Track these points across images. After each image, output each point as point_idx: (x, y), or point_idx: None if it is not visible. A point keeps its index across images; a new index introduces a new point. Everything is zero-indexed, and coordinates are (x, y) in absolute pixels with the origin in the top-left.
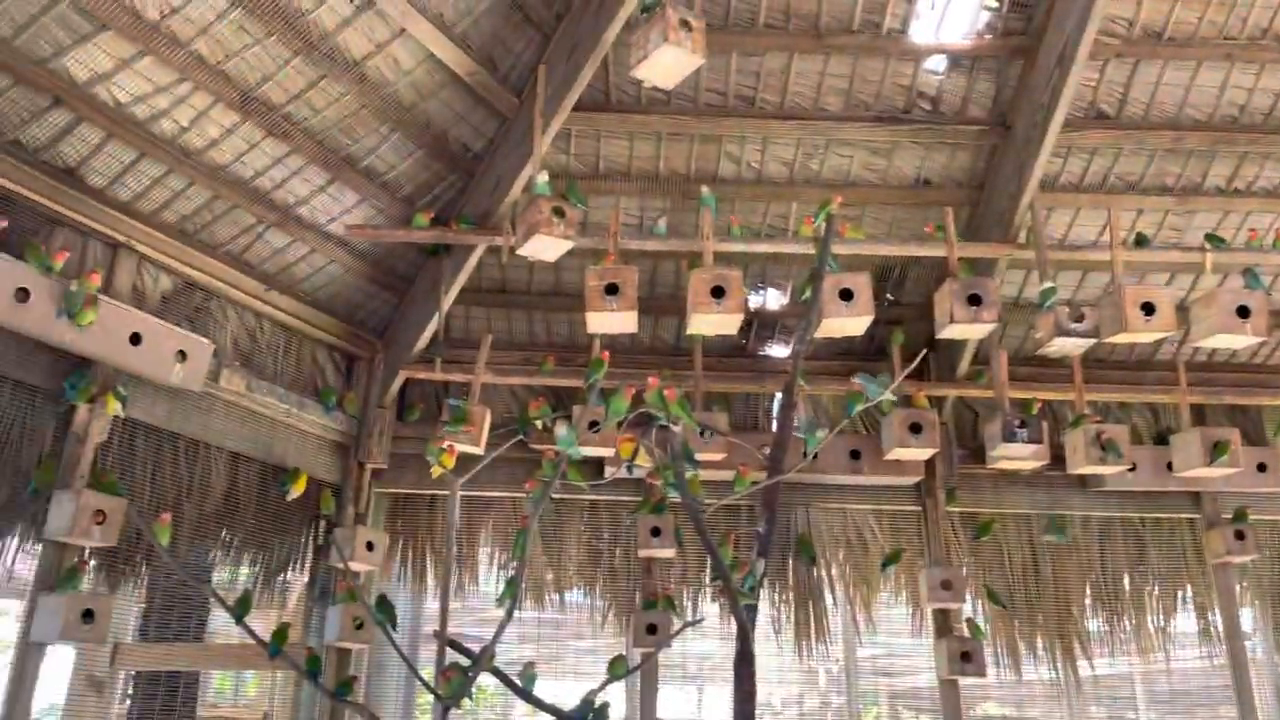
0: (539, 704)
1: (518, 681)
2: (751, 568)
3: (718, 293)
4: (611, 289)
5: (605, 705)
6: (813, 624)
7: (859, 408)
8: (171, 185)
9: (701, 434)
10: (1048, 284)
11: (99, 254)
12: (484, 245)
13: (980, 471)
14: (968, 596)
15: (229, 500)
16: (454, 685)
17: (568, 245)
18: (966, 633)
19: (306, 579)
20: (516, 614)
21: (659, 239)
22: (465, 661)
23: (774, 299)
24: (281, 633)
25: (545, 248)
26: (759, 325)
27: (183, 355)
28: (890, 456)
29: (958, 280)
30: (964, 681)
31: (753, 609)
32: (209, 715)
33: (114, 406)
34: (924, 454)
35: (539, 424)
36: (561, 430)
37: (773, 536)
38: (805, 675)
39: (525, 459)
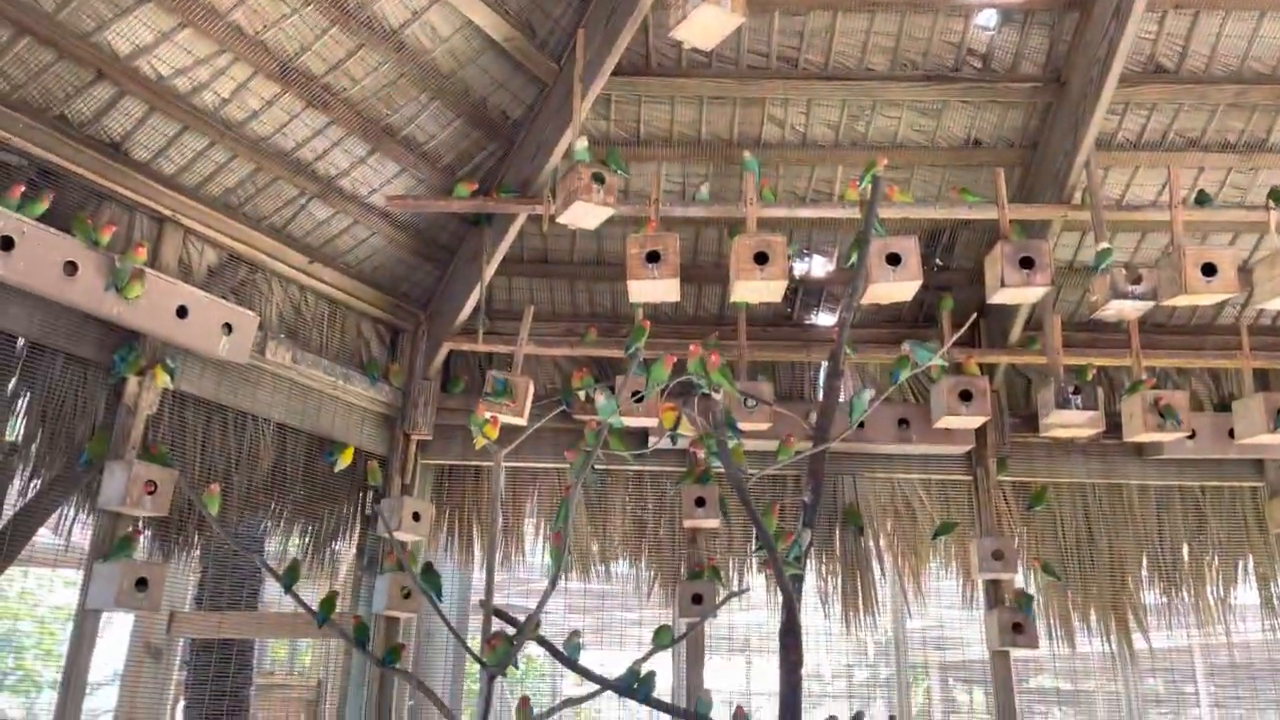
0: (585, 673)
1: (562, 651)
2: (797, 537)
3: (761, 259)
4: (653, 256)
5: (650, 674)
6: (860, 595)
7: (906, 374)
8: (215, 158)
9: (745, 403)
10: (1103, 245)
11: (145, 228)
12: (524, 214)
13: (1033, 440)
14: (1020, 567)
15: (277, 471)
16: (499, 653)
17: (608, 212)
18: (1017, 604)
19: (355, 550)
20: (563, 585)
21: (702, 205)
22: (510, 630)
23: (820, 266)
24: (329, 601)
25: (585, 215)
26: (804, 293)
27: (229, 328)
28: (940, 425)
29: (1009, 243)
30: (1016, 654)
31: (798, 579)
32: (265, 683)
33: (163, 379)
34: (974, 422)
35: (582, 395)
36: (602, 399)
37: (819, 506)
38: (855, 646)
39: (569, 429)
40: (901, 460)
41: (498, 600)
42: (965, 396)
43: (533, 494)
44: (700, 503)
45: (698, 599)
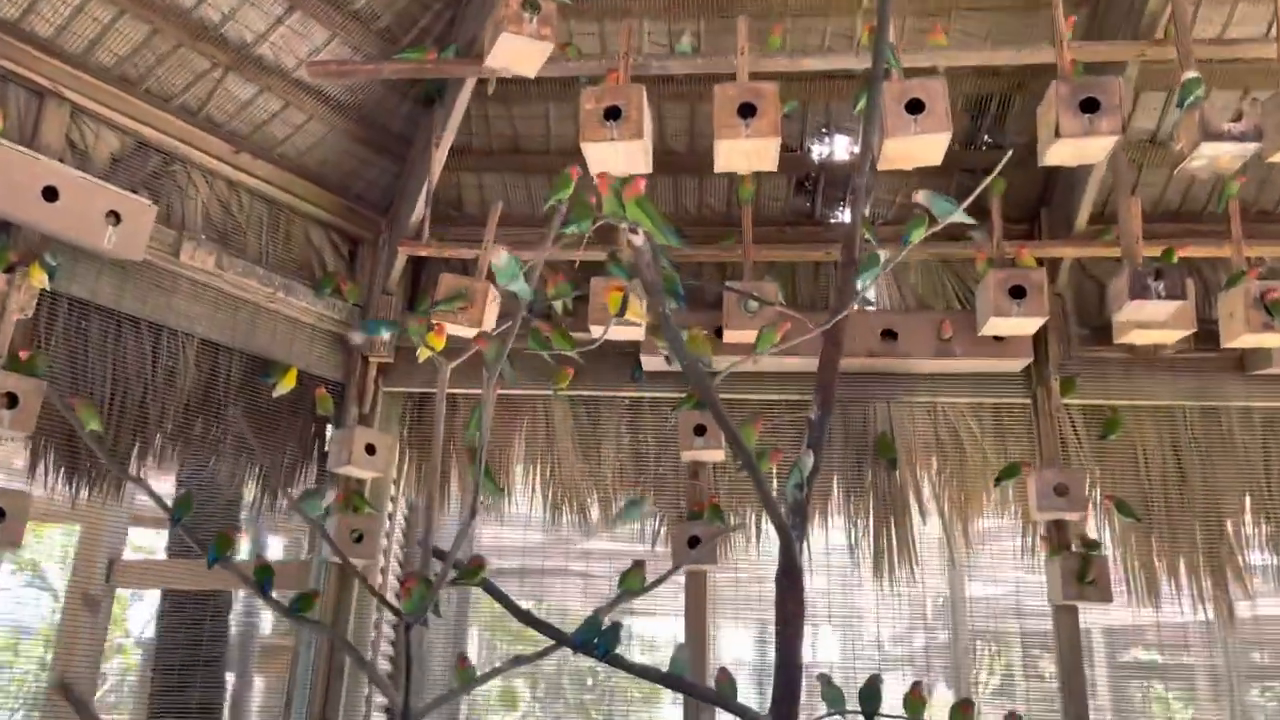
0: (536, 624)
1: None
2: (798, 462)
3: (747, 111)
4: (613, 113)
5: (615, 626)
6: (894, 544)
7: (921, 234)
8: (97, 16)
9: (744, 306)
10: (1190, 74)
11: (22, 103)
12: (472, 80)
13: (1107, 355)
14: (1091, 510)
15: (209, 396)
16: (415, 598)
17: (546, 48)
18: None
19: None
20: (556, 531)
21: (683, 59)
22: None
23: (842, 148)
24: (224, 540)
25: (517, 53)
26: (826, 183)
27: (115, 217)
28: (986, 331)
29: (1067, 82)
30: (1105, 620)
31: (799, 513)
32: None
33: (39, 278)
34: (1029, 325)
35: (558, 304)
36: (500, 259)
37: (827, 424)
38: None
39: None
40: (946, 381)
41: (484, 551)
42: (1017, 293)
43: (520, 427)
44: (700, 431)
45: (695, 542)
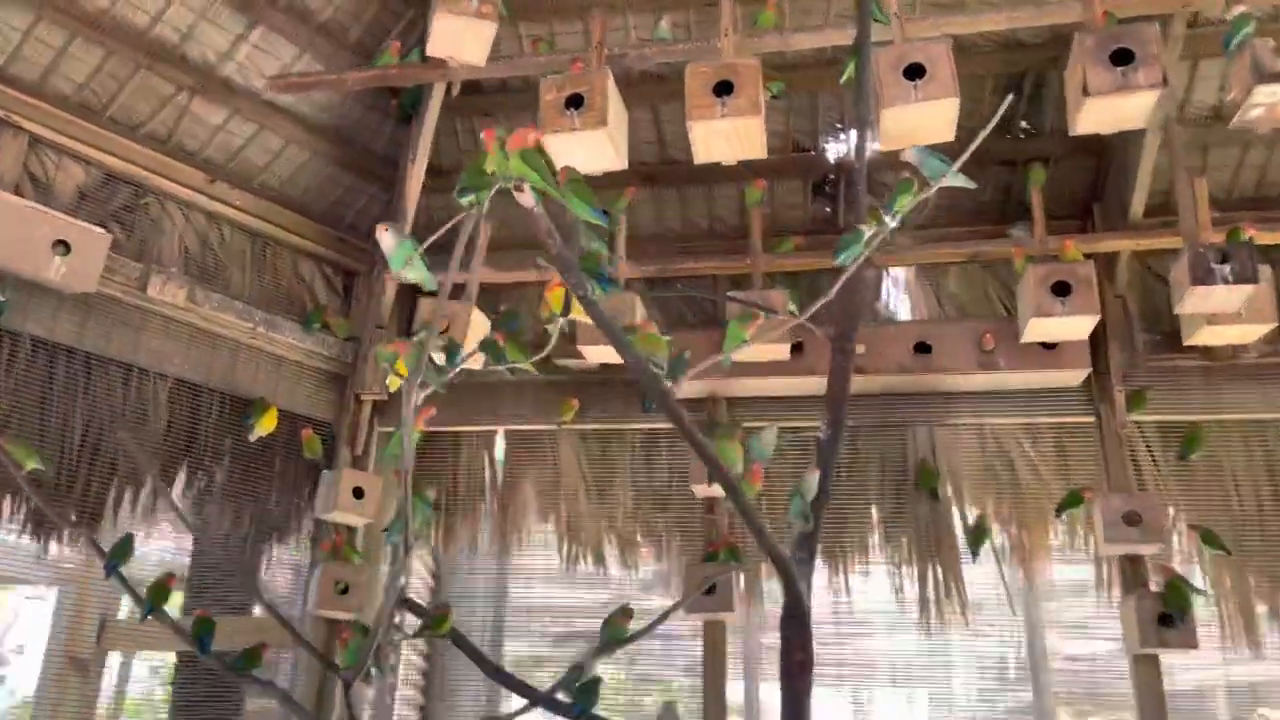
0: (506, 680)
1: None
2: (800, 486)
3: (723, 89)
4: (574, 101)
5: (594, 681)
6: (938, 583)
7: (911, 201)
8: (48, 41)
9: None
10: (1240, 9)
11: None
12: (441, 87)
13: (1181, 363)
14: (1175, 541)
15: (194, 443)
16: (351, 650)
17: (488, 29)
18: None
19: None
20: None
21: (661, 46)
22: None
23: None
24: (160, 588)
25: (458, 37)
26: (847, 184)
27: (64, 246)
28: (1028, 336)
29: (1093, 32)
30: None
31: (806, 546)
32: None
33: None
34: (1078, 327)
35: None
36: (386, 240)
37: (838, 445)
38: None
39: (558, 381)
40: (992, 399)
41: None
42: (1061, 289)
43: (535, 464)
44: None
45: (710, 589)
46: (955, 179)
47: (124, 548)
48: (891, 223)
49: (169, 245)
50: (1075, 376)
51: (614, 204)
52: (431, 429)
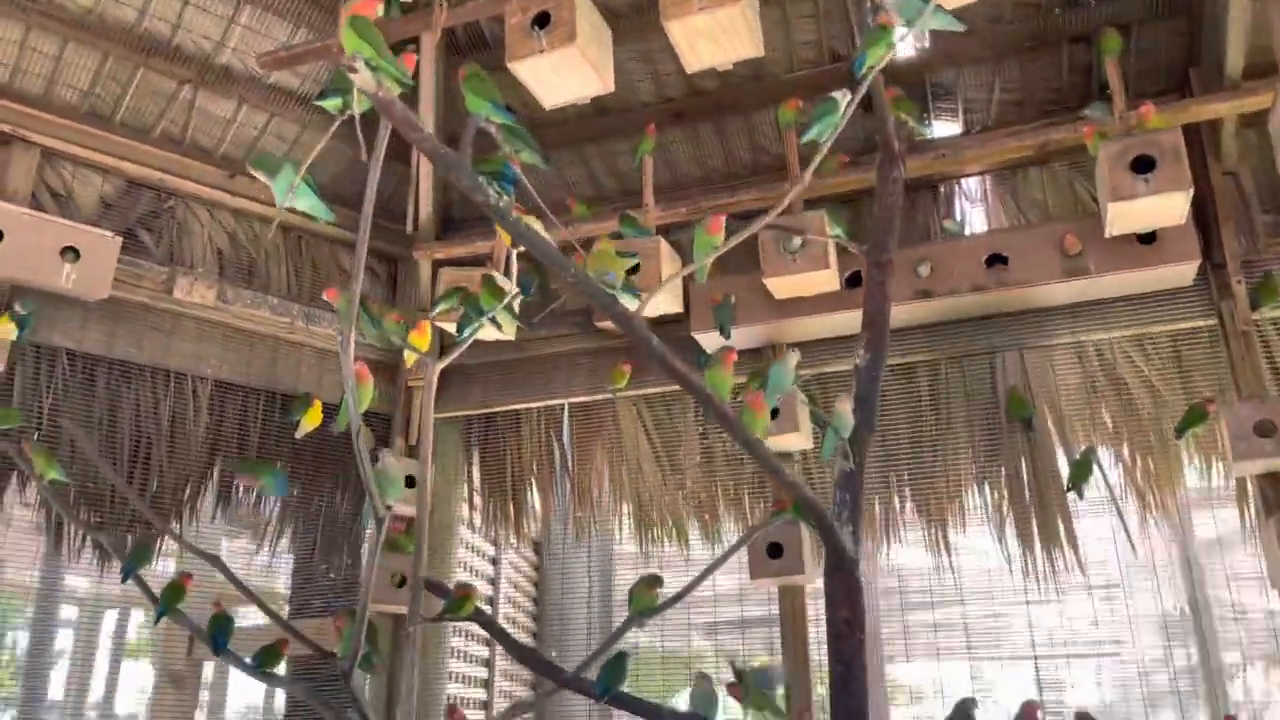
0: (531, 660)
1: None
2: (833, 419)
3: None
4: (541, 19)
5: (620, 657)
6: (1036, 520)
7: (880, 53)
8: (43, 50)
9: (783, 247)
10: None
11: None
12: (431, 39)
13: None
14: None
15: (246, 444)
16: (346, 638)
17: None
18: None
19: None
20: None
21: None
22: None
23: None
24: (175, 588)
25: None
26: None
27: (73, 253)
28: (1111, 228)
29: None
30: None
31: (850, 489)
32: None
33: (6, 329)
34: (1169, 208)
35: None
36: (264, 162)
37: (880, 372)
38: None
39: (611, 348)
40: (1090, 311)
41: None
42: (1142, 165)
43: (600, 437)
44: (773, 414)
45: (776, 550)
46: (940, 19)
47: (142, 552)
48: (864, 85)
49: (198, 247)
50: (1184, 272)
51: (639, 147)
52: (488, 410)
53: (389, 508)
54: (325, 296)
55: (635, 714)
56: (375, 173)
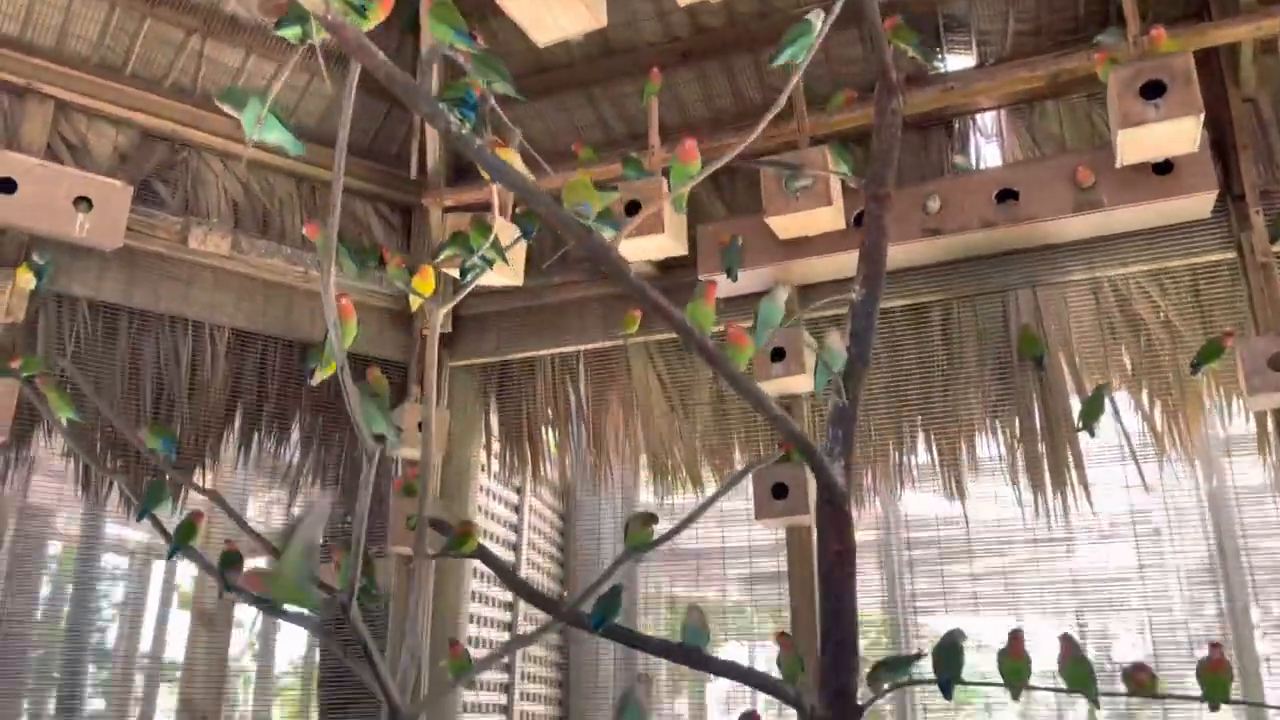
0: (531, 595)
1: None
2: (821, 351)
3: None
4: None
5: (615, 592)
6: (1047, 464)
7: None
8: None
9: (786, 185)
10: None
11: (5, 105)
12: None
13: None
14: None
15: (264, 392)
16: (344, 570)
17: None
18: None
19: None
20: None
21: None
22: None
23: None
24: (187, 527)
25: None
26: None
27: (86, 203)
28: (1122, 156)
29: None
30: None
31: (842, 423)
32: None
33: (25, 279)
34: (1180, 135)
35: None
36: (229, 94)
37: (875, 303)
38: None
39: (615, 295)
40: (1105, 246)
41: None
42: (1152, 90)
43: (613, 386)
44: (778, 355)
45: (780, 491)
46: None
47: (157, 493)
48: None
49: (213, 197)
50: (1202, 204)
51: (644, 90)
52: (504, 357)
53: (380, 439)
54: (304, 232)
55: (629, 645)
56: (349, 105)
